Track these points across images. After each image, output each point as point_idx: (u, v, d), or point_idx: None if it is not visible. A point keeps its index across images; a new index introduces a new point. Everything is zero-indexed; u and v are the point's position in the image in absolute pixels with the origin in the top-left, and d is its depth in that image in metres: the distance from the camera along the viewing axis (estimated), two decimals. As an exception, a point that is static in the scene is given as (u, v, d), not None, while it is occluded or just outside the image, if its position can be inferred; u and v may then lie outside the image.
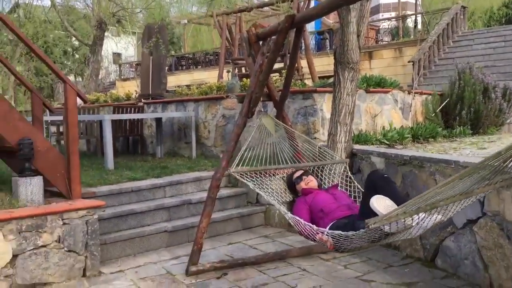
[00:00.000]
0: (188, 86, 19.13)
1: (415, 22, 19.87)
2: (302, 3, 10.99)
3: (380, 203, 2.79)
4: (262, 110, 4.26)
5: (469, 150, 5.34)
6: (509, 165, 1.99)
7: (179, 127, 7.95)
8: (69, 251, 4.03)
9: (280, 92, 4.61)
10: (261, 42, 4.34)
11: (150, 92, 8.78)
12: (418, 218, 2.51)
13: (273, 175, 3.99)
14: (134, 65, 27.21)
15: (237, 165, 3.74)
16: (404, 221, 2.49)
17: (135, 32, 26.01)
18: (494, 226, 3.44)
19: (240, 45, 12.87)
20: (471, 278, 3.67)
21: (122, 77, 27.78)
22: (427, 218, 2.52)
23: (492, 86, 7.37)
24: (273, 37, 4.15)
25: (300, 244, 4.76)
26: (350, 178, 3.97)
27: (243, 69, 11.13)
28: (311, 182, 3.86)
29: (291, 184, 3.98)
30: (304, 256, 4.50)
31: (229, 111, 7.16)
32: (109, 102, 9.72)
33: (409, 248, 4.39)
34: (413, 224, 2.57)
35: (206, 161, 6.93)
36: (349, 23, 5.04)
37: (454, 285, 3.68)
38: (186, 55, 24.14)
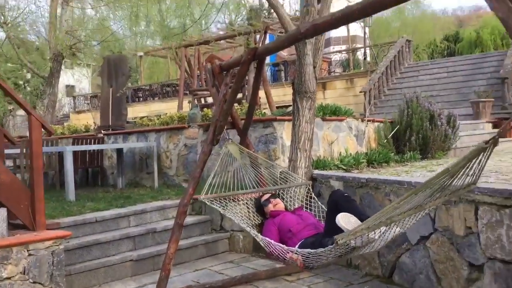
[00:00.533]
0: (145, 117, 19.14)
1: (365, 54, 20.87)
2: (258, 37, 11.40)
3: (345, 220, 3.01)
4: (227, 137, 4.42)
5: (420, 173, 5.69)
6: (455, 181, 2.26)
7: (141, 157, 7.99)
8: (34, 282, 3.99)
9: (243, 120, 4.82)
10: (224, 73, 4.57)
11: (110, 123, 8.79)
12: (380, 231, 2.73)
13: (241, 200, 4.14)
14: (89, 97, 26.92)
15: (206, 192, 3.88)
16: (368, 235, 2.71)
17: (89, 65, 25.84)
18: (445, 241, 3.72)
19: (199, 76, 13.13)
20: (426, 291, 3.92)
21: (76, 110, 27.37)
22: (387, 231, 2.75)
23: (437, 114, 7.87)
24: (236, 68, 4.39)
25: (265, 268, 4.90)
26: (314, 199, 4.18)
27: (202, 99, 11.34)
28: (278, 204, 4.05)
29: (260, 207, 4.15)
30: (270, 278, 4.63)
31: (191, 141, 7.30)
32: (67, 134, 9.63)
33: (368, 267, 4.61)
34: (376, 238, 2.79)
35: (168, 190, 7.00)
36: (305, 55, 5.37)
37: (411, 299, 3.92)
38: (143, 87, 24.17)
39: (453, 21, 42.67)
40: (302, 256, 3.13)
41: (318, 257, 3.02)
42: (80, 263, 4.73)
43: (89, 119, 22.64)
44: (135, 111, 21.61)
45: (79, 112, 26.51)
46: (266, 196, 4.15)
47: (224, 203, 3.94)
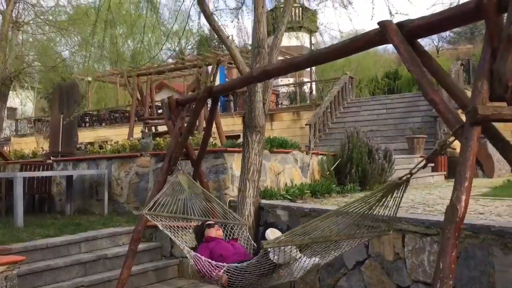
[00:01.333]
0: (91, 143, 18.92)
1: (311, 88, 21.78)
2: (210, 68, 11.82)
3: (274, 233, 3.40)
4: (179, 168, 4.70)
5: (358, 203, 6.19)
6: (375, 211, 2.66)
7: (91, 184, 8.06)
8: (-13, 307, 4.05)
9: (196, 151, 5.13)
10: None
11: (60, 150, 8.81)
12: (300, 256, 3.08)
13: (184, 227, 4.40)
14: (32, 121, 26.18)
15: (149, 209, 4.14)
16: (290, 252, 3.06)
17: (34, 87, 25.27)
18: (377, 266, 4.16)
19: (150, 105, 13.32)
20: (361, 312, 4.32)
21: (18, 133, 26.51)
22: (307, 259, 3.11)
23: (375, 149, 8.52)
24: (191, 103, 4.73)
25: (213, 293, 5.15)
26: (249, 238, 4.50)
27: (153, 128, 11.52)
28: (219, 231, 4.33)
29: (201, 228, 4.39)
30: (218, 302, 4.89)
31: (143, 169, 7.49)
32: (13, 159, 9.50)
33: (310, 291, 4.98)
34: (297, 258, 3.13)
35: (119, 217, 7.11)
36: (256, 93, 5.80)
37: (348, 319, 4.30)
38: (90, 112, 23.86)
39: (393, 59, 45.18)
40: (228, 273, 3.43)
41: (244, 273, 3.31)
42: (31, 289, 4.79)
43: (31, 143, 22.05)
44: (82, 136, 21.26)
45: (21, 136, 25.70)
46: (213, 221, 4.43)
47: (164, 221, 4.18)
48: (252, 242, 4.45)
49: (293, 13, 19.81)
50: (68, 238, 5.65)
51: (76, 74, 20.38)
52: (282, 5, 6.25)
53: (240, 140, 7.07)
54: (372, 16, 7.10)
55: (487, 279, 3.18)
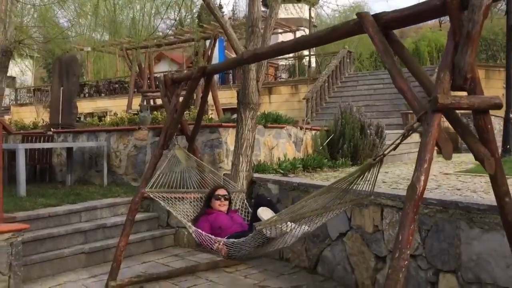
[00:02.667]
0: (91, 114, 19.11)
1: (309, 62, 21.81)
2: (208, 43, 11.92)
3: (265, 213, 3.67)
4: (175, 143, 4.95)
5: (347, 178, 6.46)
6: (354, 187, 2.93)
7: (90, 156, 8.32)
8: (-6, 271, 4.35)
9: (191, 126, 5.36)
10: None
11: (60, 122, 9.04)
12: (292, 226, 3.37)
13: (182, 198, 4.68)
14: (32, 90, 26.28)
15: (151, 187, 4.42)
16: (281, 227, 3.34)
17: (33, 56, 25.27)
18: (357, 237, 4.45)
19: (149, 78, 13.45)
20: (342, 280, 4.63)
21: (18, 102, 26.65)
22: (297, 228, 3.39)
23: (367, 124, 8.74)
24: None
25: (207, 261, 5.47)
26: (246, 205, 4.78)
27: (151, 100, 11.71)
28: (224, 206, 4.57)
29: (210, 195, 4.63)
30: (211, 269, 5.21)
31: (141, 142, 7.73)
32: (15, 130, 9.73)
33: (297, 260, 5.29)
34: (288, 231, 3.42)
35: (118, 188, 7.40)
36: (250, 71, 5.98)
37: (330, 286, 4.62)
38: (89, 83, 23.96)
39: (395, 32, 44.90)
40: (226, 246, 3.74)
41: (241, 247, 3.62)
42: (35, 254, 5.10)
43: (31, 112, 22.21)
44: (81, 107, 21.40)
45: (21, 105, 25.87)
46: (222, 192, 4.61)
47: (166, 198, 4.47)
48: (250, 209, 4.71)
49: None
50: (69, 208, 5.94)
51: (74, 44, 20.41)
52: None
53: (235, 116, 7.28)
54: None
55: (454, 251, 3.46)
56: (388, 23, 2.72)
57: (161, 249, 6.16)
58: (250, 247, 3.57)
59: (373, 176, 2.88)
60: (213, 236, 3.92)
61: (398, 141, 2.60)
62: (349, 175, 2.83)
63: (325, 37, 3.14)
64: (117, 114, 9.42)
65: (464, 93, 2.43)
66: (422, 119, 2.46)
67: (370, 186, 2.97)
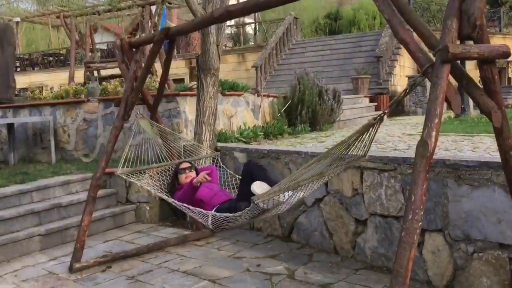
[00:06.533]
0: (25, 89, 17.86)
1: (255, 30, 21.46)
2: (154, 8, 11.32)
3: (260, 187, 3.45)
4: (139, 113, 4.60)
5: (312, 143, 6.36)
6: (350, 151, 2.77)
7: (34, 132, 7.71)
8: None
9: (153, 96, 5.01)
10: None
11: (-3, 96, 8.27)
12: (289, 195, 3.20)
13: (155, 173, 4.39)
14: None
15: (122, 166, 4.08)
16: (278, 198, 3.16)
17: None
18: (335, 202, 4.35)
19: (91, 48, 12.64)
20: (320, 246, 4.55)
21: None
22: (293, 196, 3.22)
23: (325, 89, 8.67)
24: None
25: (174, 235, 5.22)
26: (222, 167, 4.56)
27: (95, 72, 11.01)
28: (190, 177, 4.34)
29: (176, 171, 4.45)
30: (181, 244, 4.98)
31: (91, 115, 7.22)
32: None
33: (270, 228, 5.16)
34: (284, 200, 3.25)
35: (68, 165, 6.90)
36: (209, 34, 5.64)
37: (307, 253, 4.52)
38: (21, 56, 22.35)
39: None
40: (217, 219, 3.49)
41: (234, 220, 3.42)
42: (-15, 240, 4.64)
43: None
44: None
45: None
46: (185, 165, 4.44)
47: (140, 176, 4.16)
48: (229, 171, 4.50)
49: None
50: (18, 188, 5.45)
51: (2, 14, 18.86)
52: None
53: (193, 83, 6.94)
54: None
55: (441, 209, 3.42)
56: (384, -30, 2.51)
57: (123, 226, 5.82)
58: (244, 219, 3.37)
59: (370, 138, 2.74)
60: (203, 211, 3.66)
61: (401, 95, 2.45)
62: (348, 137, 2.66)
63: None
64: (53, 88, 8.76)
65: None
66: (428, 71, 2.31)
67: (365, 148, 2.83)
